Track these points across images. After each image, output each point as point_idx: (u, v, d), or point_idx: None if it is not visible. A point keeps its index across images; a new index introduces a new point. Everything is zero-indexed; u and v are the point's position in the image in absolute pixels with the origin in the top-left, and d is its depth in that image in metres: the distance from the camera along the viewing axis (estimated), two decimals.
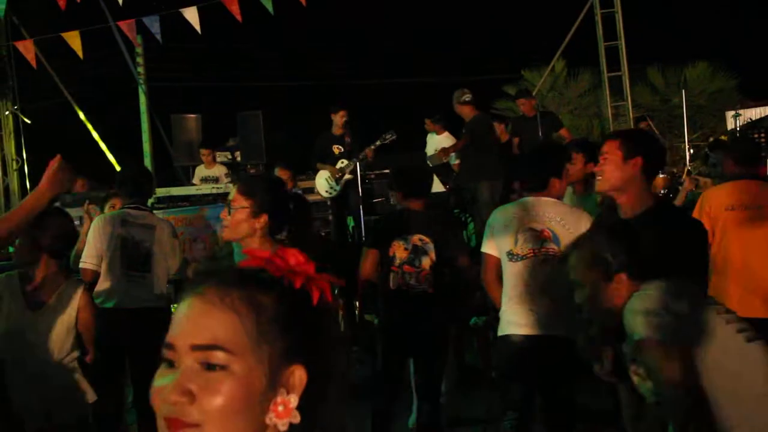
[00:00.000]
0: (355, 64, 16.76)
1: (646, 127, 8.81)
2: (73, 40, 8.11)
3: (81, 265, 4.50)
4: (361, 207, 7.64)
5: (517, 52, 14.82)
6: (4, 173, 10.91)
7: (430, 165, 8.56)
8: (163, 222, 4.76)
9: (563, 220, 3.44)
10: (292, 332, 0.98)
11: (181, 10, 7.55)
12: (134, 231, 4.46)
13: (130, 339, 4.23)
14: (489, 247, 3.58)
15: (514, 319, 3.43)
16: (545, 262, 3.39)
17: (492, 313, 5.88)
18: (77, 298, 3.31)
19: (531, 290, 3.39)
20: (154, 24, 7.87)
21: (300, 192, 8.02)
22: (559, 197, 3.62)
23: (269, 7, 7.46)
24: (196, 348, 0.93)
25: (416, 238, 3.99)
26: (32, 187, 10.82)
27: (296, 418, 0.96)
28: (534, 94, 10.20)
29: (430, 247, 3.97)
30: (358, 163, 7.82)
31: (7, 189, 10.91)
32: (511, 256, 3.45)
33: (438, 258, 3.98)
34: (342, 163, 8.13)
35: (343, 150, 8.10)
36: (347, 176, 8.01)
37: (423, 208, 4.11)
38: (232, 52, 14.68)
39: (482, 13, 16.49)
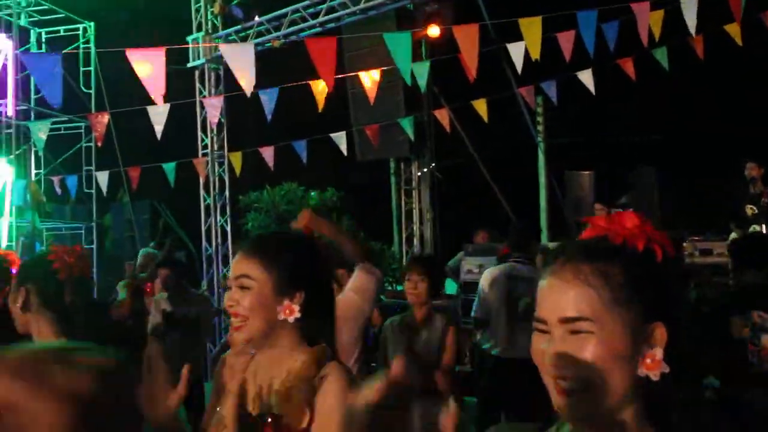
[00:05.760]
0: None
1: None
2: (480, 106, 9.06)
3: (472, 314, 4.99)
4: None
5: None
6: (420, 222, 12.49)
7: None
8: None
9: None
10: (644, 294, 1.09)
11: (576, 73, 7.90)
12: (518, 284, 4.75)
13: (510, 386, 4.51)
14: None
15: None
16: None
17: None
18: None
19: None
20: (550, 88, 8.34)
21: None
22: None
23: (664, 63, 7.37)
24: (564, 320, 1.09)
25: (756, 315, 3.60)
26: (442, 236, 12.23)
27: (666, 369, 1.07)
28: None
29: None
30: None
31: (421, 236, 12.47)
32: None
33: None
34: (753, 230, 7.40)
35: (757, 212, 7.39)
36: None
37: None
38: (626, 109, 14.57)
39: None
